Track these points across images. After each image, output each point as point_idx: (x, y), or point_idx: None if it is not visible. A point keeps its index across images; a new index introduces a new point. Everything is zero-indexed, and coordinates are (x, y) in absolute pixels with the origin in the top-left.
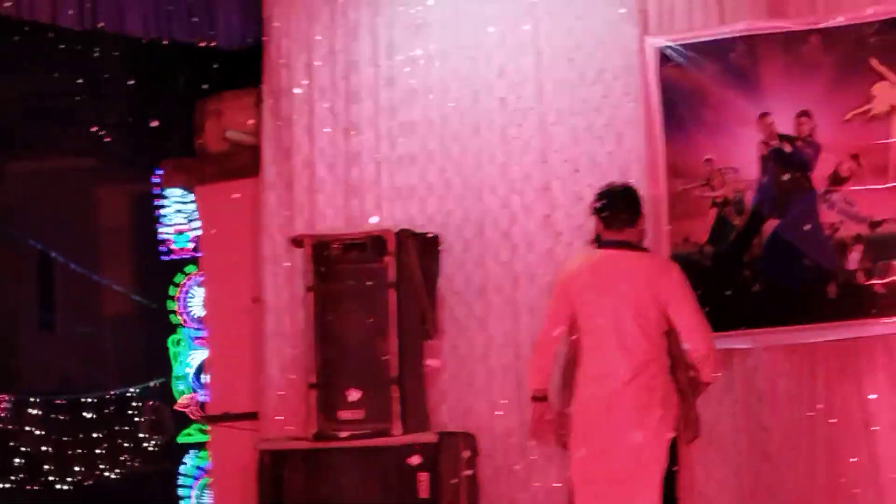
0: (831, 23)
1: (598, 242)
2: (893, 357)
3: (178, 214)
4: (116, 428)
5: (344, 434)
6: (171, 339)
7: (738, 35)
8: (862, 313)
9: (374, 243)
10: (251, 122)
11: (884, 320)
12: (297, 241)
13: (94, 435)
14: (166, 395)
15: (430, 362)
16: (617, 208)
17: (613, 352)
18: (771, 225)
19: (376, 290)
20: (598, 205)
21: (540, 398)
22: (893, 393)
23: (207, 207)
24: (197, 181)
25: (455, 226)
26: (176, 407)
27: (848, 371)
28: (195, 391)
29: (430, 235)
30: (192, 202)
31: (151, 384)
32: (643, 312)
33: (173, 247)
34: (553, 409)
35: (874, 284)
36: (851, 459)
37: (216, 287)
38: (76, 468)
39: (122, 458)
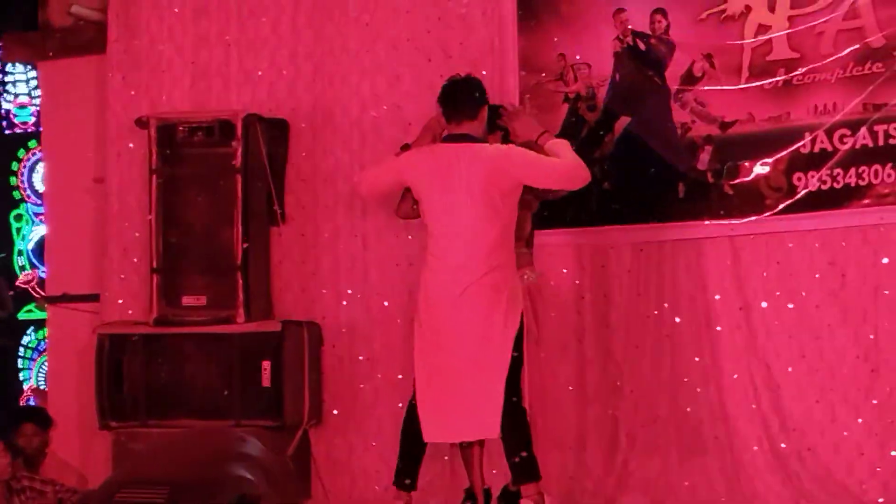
0: None
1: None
2: (739, 258)
3: (21, 88)
4: None
5: (186, 320)
6: (13, 214)
7: None
8: (710, 214)
9: (222, 127)
10: None
11: (731, 221)
12: (141, 122)
13: None
14: (7, 270)
15: None
16: (456, 101)
17: (460, 249)
18: (623, 122)
19: (222, 175)
20: (439, 98)
21: None
22: (737, 294)
23: (50, 83)
24: (40, 56)
25: (305, 112)
26: (17, 283)
27: (693, 271)
28: (36, 268)
29: (279, 120)
30: (35, 76)
31: None
32: (490, 206)
33: (15, 120)
34: None
35: (723, 185)
36: (695, 359)
37: (58, 164)
38: None
39: None
